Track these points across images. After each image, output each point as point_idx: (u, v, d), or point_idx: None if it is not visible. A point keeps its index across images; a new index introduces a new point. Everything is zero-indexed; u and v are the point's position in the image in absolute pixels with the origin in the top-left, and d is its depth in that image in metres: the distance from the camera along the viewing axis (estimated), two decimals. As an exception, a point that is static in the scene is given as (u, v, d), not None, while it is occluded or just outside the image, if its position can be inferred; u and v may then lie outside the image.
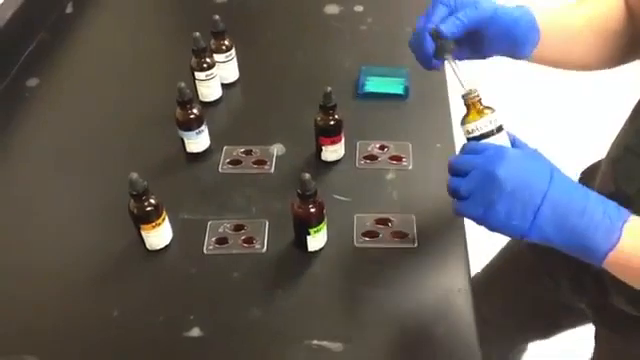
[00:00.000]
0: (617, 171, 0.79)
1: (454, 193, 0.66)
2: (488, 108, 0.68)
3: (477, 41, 0.76)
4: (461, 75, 0.70)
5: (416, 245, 0.89)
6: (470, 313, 0.82)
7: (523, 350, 1.32)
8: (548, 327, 1.19)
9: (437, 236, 0.91)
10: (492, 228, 0.64)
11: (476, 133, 0.68)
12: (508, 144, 0.68)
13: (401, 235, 0.90)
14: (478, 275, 1.22)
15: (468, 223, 0.91)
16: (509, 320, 1.20)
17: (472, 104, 0.68)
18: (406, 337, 0.80)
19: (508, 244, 1.18)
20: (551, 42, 0.77)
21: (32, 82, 1.22)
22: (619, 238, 0.61)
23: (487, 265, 1.22)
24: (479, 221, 0.64)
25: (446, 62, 0.73)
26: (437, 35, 0.72)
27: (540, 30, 0.75)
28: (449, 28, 0.72)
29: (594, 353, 1.02)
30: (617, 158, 0.81)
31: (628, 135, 0.80)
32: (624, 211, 0.63)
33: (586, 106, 2.44)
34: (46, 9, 1.37)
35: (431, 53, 0.75)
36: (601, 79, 1.03)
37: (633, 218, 0.62)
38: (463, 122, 0.69)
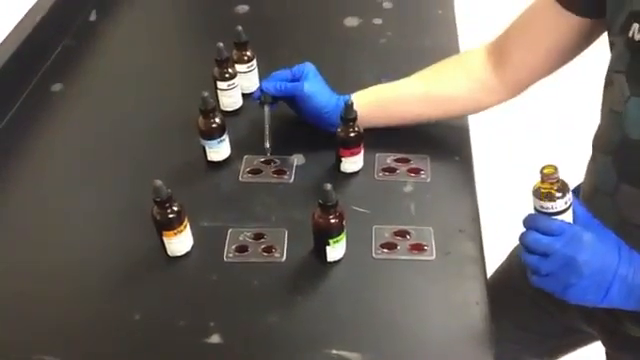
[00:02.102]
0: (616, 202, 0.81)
1: (534, 271, 0.72)
2: (564, 186, 0.69)
3: (295, 107, 1.03)
4: (267, 123, 1.01)
5: (434, 258, 0.90)
6: (487, 326, 0.82)
7: None
8: (554, 347, 1.18)
9: (454, 249, 0.91)
10: (568, 300, 0.72)
11: (551, 210, 0.70)
12: (571, 217, 0.71)
13: (419, 247, 0.91)
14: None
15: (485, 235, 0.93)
16: (513, 339, 1.19)
17: (552, 182, 0.69)
18: (423, 349, 0.81)
19: (509, 263, 1.17)
20: (374, 120, 1.02)
21: (56, 87, 1.24)
22: None
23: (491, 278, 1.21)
24: (557, 295, 0.72)
25: (265, 108, 1.02)
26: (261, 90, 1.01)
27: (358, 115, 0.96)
28: (267, 86, 1.01)
29: None
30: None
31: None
32: None
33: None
34: (71, 16, 1.40)
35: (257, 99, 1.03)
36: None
37: None
38: (538, 195, 0.70)
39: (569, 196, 0.70)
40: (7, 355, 0.81)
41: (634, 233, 0.76)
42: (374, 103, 1.02)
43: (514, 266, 1.14)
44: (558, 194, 0.69)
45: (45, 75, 1.27)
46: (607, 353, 1.01)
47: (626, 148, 0.75)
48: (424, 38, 1.32)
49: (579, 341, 1.12)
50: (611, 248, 0.71)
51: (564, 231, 0.69)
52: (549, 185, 0.69)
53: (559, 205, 0.69)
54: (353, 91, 1.05)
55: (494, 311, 0.82)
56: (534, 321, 1.12)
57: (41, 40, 1.27)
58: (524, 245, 0.71)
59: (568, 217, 0.71)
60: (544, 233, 0.70)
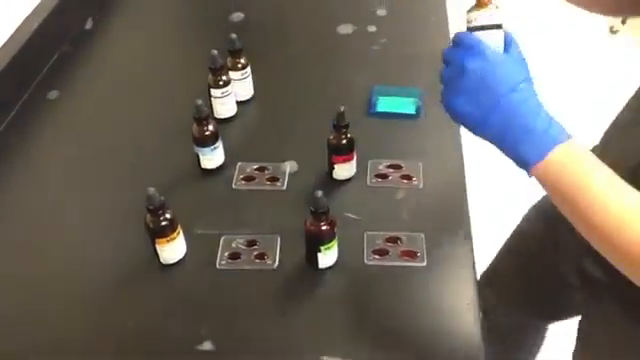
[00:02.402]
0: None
1: (440, 80, 0.73)
2: (492, 4, 0.70)
3: None
4: None
5: (425, 263, 0.90)
6: (478, 330, 0.83)
7: (537, 338, 1.34)
8: (549, 303, 1.20)
9: (446, 255, 0.92)
10: (453, 116, 0.72)
11: (473, 24, 0.70)
12: (500, 44, 0.70)
13: (410, 253, 0.92)
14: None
15: (476, 241, 0.93)
16: (514, 299, 1.23)
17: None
18: (415, 353, 0.82)
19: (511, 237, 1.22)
20: None
21: (52, 94, 1.25)
22: (548, 154, 0.66)
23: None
24: (445, 107, 0.72)
25: None
26: None
27: None
28: None
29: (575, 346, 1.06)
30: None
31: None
32: (565, 134, 0.67)
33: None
34: (67, 24, 1.41)
35: None
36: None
37: (572, 142, 0.67)
38: (468, 10, 0.71)
39: (496, 13, 0.69)
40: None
41: None
42: None
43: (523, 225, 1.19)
44: (483, 7, 0.69)
45: (42, 82, 1.28)
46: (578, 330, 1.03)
47: None
48: (418, 45, 1.33)
49: (567, 297, 1.11)
50: (509, 76, 0.68)
51: (472, 44, 0.69)
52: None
53: (482, 18, 0.69)
54: (346, 99, 1.06)
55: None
56: (530, 274, 1.17)
57: (38, 48, 1.28)
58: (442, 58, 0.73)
59: (494, 36, 0.70)
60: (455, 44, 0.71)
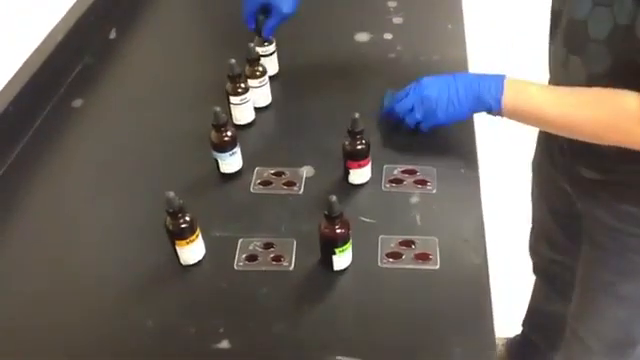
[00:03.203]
0: None
1: (405, 115, 1.09)
2: None
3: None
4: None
5: (438, 267, 0.92)
6: (492, 337, 0.84)
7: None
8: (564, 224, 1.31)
9: (459, 259, 0.93)
10: (441, 119, 1.05)
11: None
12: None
13: (424, 257, 0.93)
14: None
15: (490, 243, 0.95)
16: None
17: None
18: (426, 355, 0.83)
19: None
20: None
21: (77, 103, 1.29)
22: (502, 92, 0.98)
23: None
24: (432, 118, 1.06)
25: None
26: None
27: None
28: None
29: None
30: None
31: None
32: (501, 75, 1.00)
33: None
34: (91, 34, 1.45)
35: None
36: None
37: (509, 78, 0.99)
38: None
39: None
40: (22, 357, 0.85)
41: None
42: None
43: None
44: None
45: (67, 91, 1.32)
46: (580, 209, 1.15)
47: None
48: (434, 52, 1.35)
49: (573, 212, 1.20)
50: (444, 76, 1.04)
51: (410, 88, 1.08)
52: None
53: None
54: (361, 106, 1.09)
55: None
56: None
57: (63, 57, 1.32)
58: (397, 113, 1.10)
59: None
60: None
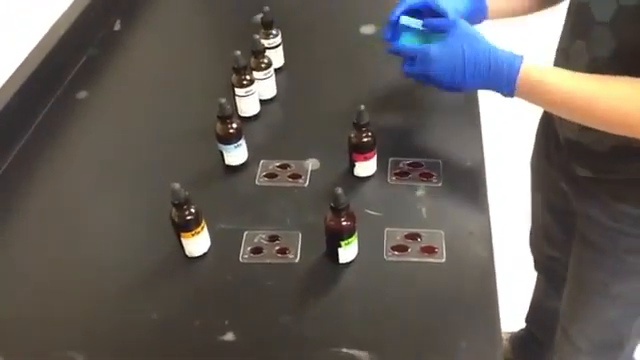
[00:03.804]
0: None
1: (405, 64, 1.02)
2: None
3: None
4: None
5: (444, 260, 0.91)
6: (497, 328, 0.84)
7: None
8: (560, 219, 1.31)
9: (465, 252, 0.93)
10: (441, 84, 0.97)
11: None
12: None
13: (430, 250, 0.93)
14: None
15: (495, 238, 0.94)
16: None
17: None
18: (432, 348, 0.83)
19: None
20: (495, 13, 1.10)
21: (81, 95, 1.29)
22: (517, 76, 0.90)
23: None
24: (428, 80, 0.99)
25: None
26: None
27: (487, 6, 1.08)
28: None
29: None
30: None
31: None
32: (517, 61, 0.91)
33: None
34: (96, 27, 1.45)
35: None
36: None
37: (526, 65, 0.91)
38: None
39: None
40: (31, 350, 0.85)
41: None
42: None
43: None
44: None
45: (71, 83, 1.32)
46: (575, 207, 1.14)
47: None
48: (439, 45, 1.34)
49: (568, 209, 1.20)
50: (454, 51, 0.94)
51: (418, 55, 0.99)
52: None
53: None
54: (367, 98, 1.08)
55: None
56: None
57: (67, 50, 1.32)
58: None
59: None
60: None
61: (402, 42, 1.06)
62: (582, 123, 0.93)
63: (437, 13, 1.02)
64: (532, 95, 0.91)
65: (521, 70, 0.90)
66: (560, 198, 1.18)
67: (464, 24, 0.97)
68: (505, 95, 0.93)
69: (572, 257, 1.20)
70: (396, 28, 1.06)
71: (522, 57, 0.91)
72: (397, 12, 1.05)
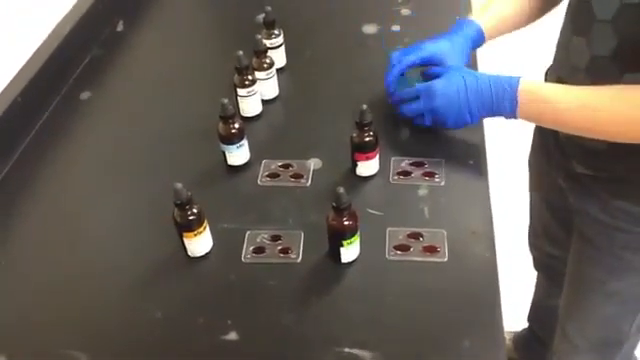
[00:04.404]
0: None
1: (413, 113, 1.06)
2: None
3: None
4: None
5: (446, 259, 0.91)
6: (499, 326, 0.84)
7: None
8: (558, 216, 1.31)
9: (467, 251, 0.93)
10: (447, 124, 1.03)
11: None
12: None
13: (432, 250, 0.93)
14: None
15: (497, 238, 0.94)
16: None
17: None
18: (434, 348, 0.83)
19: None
20: (494, 33, 1.14)
21: (85, 95, 1.29)
22: (518, 98, 0.94)
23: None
24: (435, 122, 1.04)
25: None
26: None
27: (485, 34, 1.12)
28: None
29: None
30: None
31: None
32: (515, 79, 0.95)
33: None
34: (99, 27, 1.45)
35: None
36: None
37: (523, 79, 0.95)
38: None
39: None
40: (33, 350, 0.85)
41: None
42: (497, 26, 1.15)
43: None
44: None
45: (74, 84, 1.32)
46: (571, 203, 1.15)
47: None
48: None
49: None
50: (456, 81, 0.99)
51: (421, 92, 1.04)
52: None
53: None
54: (369, 98, 1.08)
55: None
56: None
57: (70, 50, 1.32)
58: (404, 114, 1.07)
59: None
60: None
61: (402, 88, 1.10)
62: (584, 131, 0.95)
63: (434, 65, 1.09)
64: (534, 103, 0.95)
65: (521, 81, 0.95)
66: (558, 195, 1.18)
67: (460, 65, 1.05)
68: (508, 117, 0.97)
69: (571, 254, 1.20)
70: (396, 84, 1.11)
71: (520, 77, 0.96)
72: (395, 72, 1.10)
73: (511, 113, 0.96)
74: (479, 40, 1.12)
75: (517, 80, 0.95)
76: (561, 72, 1.03)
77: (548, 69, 1.15)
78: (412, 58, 1.09)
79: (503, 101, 0.96)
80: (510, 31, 1.15)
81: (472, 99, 0.98)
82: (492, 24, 1.13)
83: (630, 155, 0.95)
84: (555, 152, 1.13)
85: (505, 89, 0.95)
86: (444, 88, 1.00)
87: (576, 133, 0.97)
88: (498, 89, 0.96)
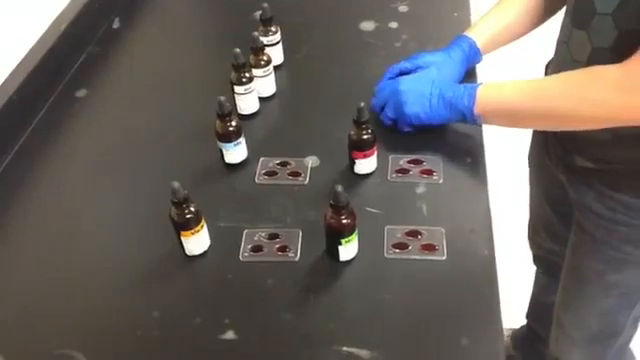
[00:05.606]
0: None
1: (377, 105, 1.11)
2: None
3: None
4: None
5: (445, 257, 0.91)
6: (499, 325, 0.84)
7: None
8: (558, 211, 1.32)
9: (466, 249, 0.93)
10: (408, 118, 1.06)
11: None
12: None
13: (430, 248, 0.93)
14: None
15: (496, 235, 0.94)
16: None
17: None
18: (433, 346, 0.83)
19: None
20: (491, 47, 1.17)
21: (81, 93, 1.28)
22: (476, 97, 0.99)
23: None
24: (399, 116, 1.07)
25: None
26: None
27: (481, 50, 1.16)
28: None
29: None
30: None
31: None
32: (473, 86, 1.01)
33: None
34: (95, 24, 1.44)
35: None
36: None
37: (485, 84, 1.01)
38: None
39: None
40: (32, 349, 0.85)
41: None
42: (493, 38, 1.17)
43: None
44: None
45: (71, 81, 1.31)
46: (569, 193, 1.14)
47: None
48: (440, 41, 1.33)
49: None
50: (425, 80, 1.06)
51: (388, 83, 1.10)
52: None
53: None
54: (367, 95, 1.07)
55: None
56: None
57: (66, 47, 1.31)
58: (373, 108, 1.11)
59: None
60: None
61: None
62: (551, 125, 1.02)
63: None
64: (493, 97, 1.00)
65: (481, 86, 1.01)
66: (559, 190, 1.18)
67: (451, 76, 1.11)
68: (468, 119, 1.02)
69: (569, 246, 1.20)
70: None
71: (478, 84, 1.02)
72: (385, 77, 1.14)
73: (469, 111, 1.00)
74: (475, 56, 1.16)
75: (477, 84, 1.02)
76: (562, 66, 1.02)
77: (548, 63, 1.14)
78: (405, 64, 1.13)
79: (462, 98, 1.01)
80: (512, 40, 1.17)
81: (435, 90, 1.03)
82: (489, 38, 1.16)
83: (632, 147, 0.95)
84: (554, 145, 1.13)
85: (465, 87, 1.02)
86: (413, 77, 1.08)
87: (536, 127, 1.08)
88: (458, 87, 1.03)
